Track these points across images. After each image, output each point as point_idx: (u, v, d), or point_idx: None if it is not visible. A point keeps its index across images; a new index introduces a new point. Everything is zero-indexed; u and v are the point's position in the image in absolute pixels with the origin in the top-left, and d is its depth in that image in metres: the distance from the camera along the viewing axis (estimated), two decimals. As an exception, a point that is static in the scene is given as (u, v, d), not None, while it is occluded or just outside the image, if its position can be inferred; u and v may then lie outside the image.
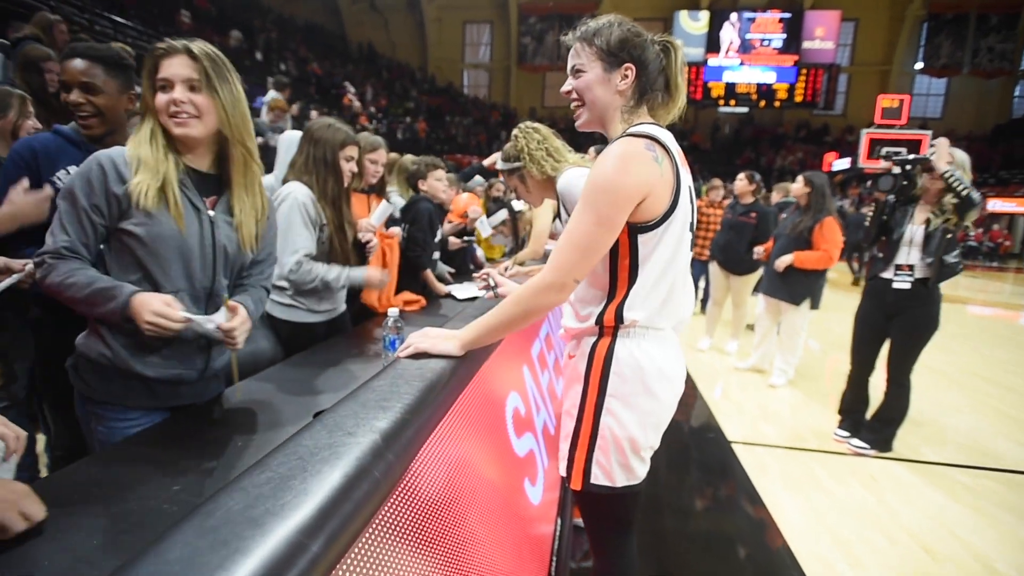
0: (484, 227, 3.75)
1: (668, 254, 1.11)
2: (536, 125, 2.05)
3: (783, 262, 3.81)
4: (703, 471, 2.87)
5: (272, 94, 6.23)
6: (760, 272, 4.53)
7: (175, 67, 1.14)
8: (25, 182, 1.53)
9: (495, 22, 24.61)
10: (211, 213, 1.24)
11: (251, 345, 1.82)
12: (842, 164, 18.34)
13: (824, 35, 21.17)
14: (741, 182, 4.62)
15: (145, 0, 12.13)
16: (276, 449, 0.72)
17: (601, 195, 1.03)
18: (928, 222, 2.74)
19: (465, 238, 3.75)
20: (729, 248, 4.67)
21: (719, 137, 23.85)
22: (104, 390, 1.21)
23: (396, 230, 2.70)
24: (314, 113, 8.72)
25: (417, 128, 18.91)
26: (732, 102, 22.17)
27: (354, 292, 2.38)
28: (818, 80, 21.53)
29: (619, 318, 1.13)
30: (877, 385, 3.08)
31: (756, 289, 4.49)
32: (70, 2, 7.81)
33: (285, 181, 2.05)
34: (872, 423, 3.09)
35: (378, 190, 2.77)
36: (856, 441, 3.08)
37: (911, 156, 2.94)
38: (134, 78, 1.54)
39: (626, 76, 1.13)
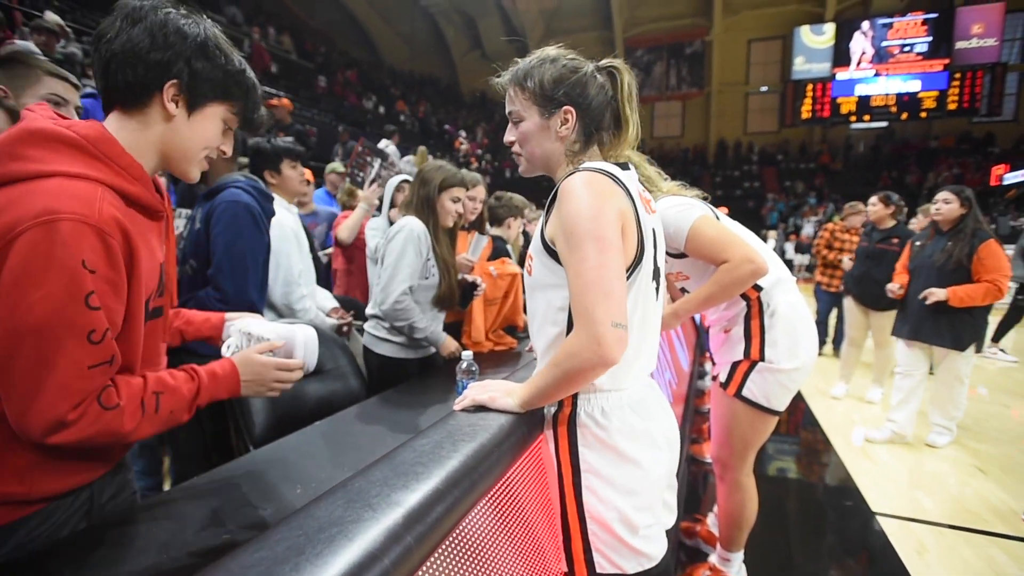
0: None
1: (639, 312, 1.00)
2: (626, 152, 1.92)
3: (935, 295, 3.08)
4: (840, 548, 2.39)
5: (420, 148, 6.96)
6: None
7: None
8: None
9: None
10: None
11: (336, 384, 1.87)
12: (1016, 177, 15.55)
13: (983, 32, 18.40)
14: (876, 207, 4.03)
15: (290, 69, 14.03)
16: (287, 519, 0.66)
17: (587, 222, 0.91)
18: None
19: None
20: (867, 280, 4.05)
21: (853, 156, 21.54)
22: None
23: (512, 264, 2.69)
24: (430, 158, 9.36)
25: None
26: (866, 117, 19.92)
27: (454, 326, 2.39)
28: (978, 83, 18.66)
29: None
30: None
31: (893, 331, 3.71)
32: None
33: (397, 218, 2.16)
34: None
35: (478, 227, 2.81)
36: (1058, 527, 2.40)
37: None
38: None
39: (566, 120, 1.02)
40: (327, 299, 2.49)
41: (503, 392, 1.05)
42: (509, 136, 1.09)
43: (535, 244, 1.05)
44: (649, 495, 1.01)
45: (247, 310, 1.37)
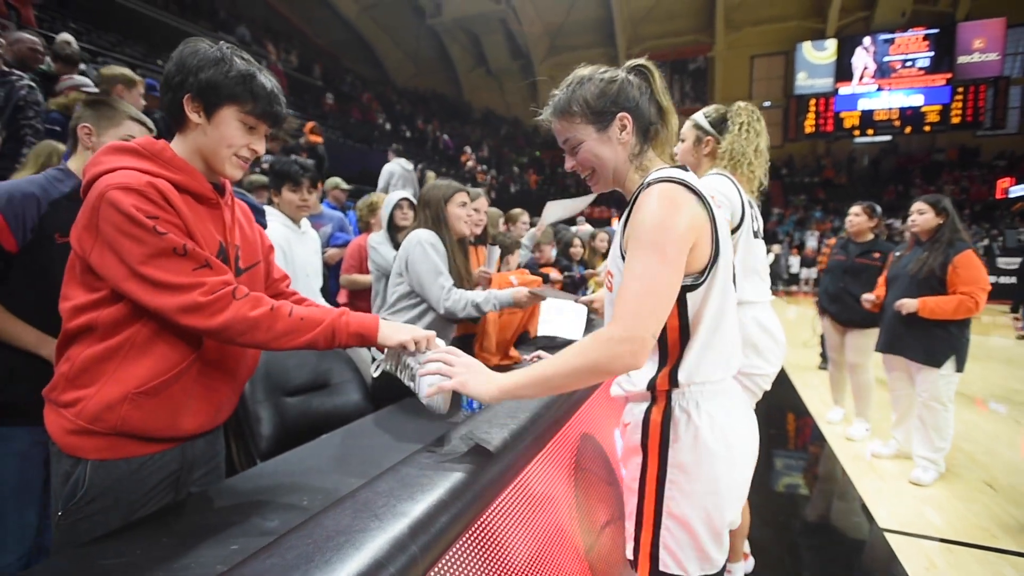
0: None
1: (717, 307, 1.00)
2: (760, 117, 1.84)
3: (907, 306, 2.93)
4: (848, 565, 2.37)
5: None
6: None
7: None
8: None
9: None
10: None
11: (342, 398, 1.89)
12: (1022, 190, 15.53)
13: (985, 46, 18.53)
14: (858, 217, 3.77)
15: (297, 87, 14.27)
16: (297, 528, 0.68)
17: (661, 234, 0.93)
18: None
19: None
20: (845, 297, 3.75)
21: (857, 170, 21.58)
22: None
23: (528, 274, 2.69)
24: (431, 174, 9.44)
25: (528, 180, 19.63)
26: (870, 131, 20.04)
27: (464, 339, 2.39)
28: (981, 97, 18.74)
29: (673, 382, 1.01)
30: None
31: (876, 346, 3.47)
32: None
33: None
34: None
35: (483, 240, 2.83)
36: (1069, 544, 2.35)
37: None
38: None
39: (624, 125, 1.04)
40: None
41: (479, 373, 0.99)
42: (569, 163, 1.11)
43: (614, 259, 1.06)
44: (733, 498, 1.02)
45: None
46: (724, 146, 1.78)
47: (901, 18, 19.71)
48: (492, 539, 0.85)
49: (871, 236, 3.81)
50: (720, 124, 1.83)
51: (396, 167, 6.33)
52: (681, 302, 0.98)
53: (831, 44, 20.12)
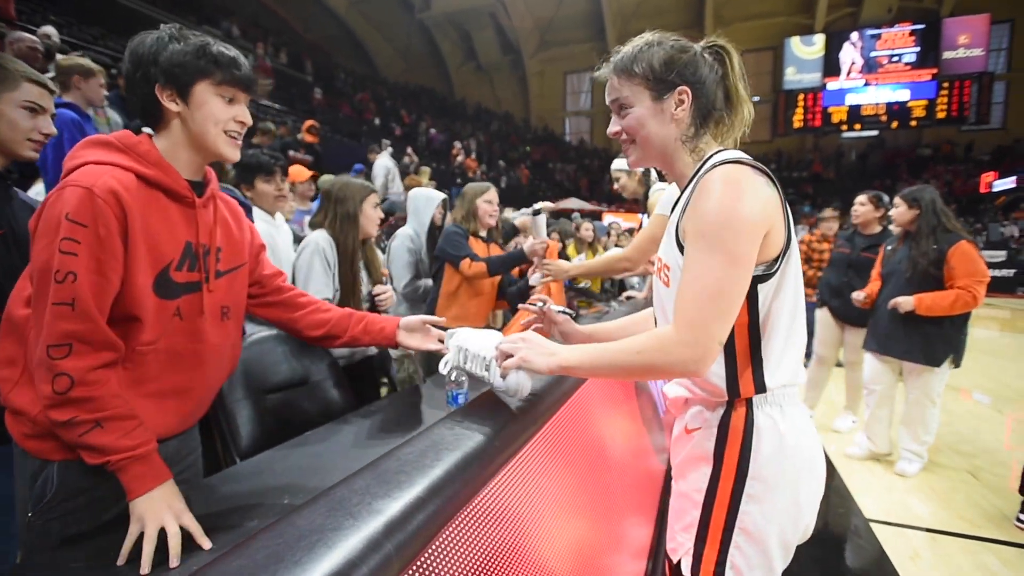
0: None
1: (792, 299, 0.92)
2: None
3: (903, 305, 2.84)
4: (834, 555, 2.39)
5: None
6: None
7: None
8: None
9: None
10: None
11: (322, 394, 1.87)
12: (1005, 184, 15.74)
13: (970, 42, 18.71)
14: (864, 207, 3.56)
15: (284, 81, 14.13)
16: (268, 527, 0.66)
17: (726, 231, 0.84)
18: None
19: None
20: (847, 291, 3.52)
21: (844, 164, 21.76)
22: None
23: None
24: (425, 168, 9.37)
25: (520, 176, 19.58)
26: (857, 126, 20.20)
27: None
28: (965, 92, 18.94)
29: (759, 385, 0.93)
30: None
31: (863, 344, 3.36)
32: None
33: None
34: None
35: (492, 237, 2.79)
36: (1049, 531, 2.38)
37: None
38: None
39: (681, 101, 0.94)
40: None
41: (542, 351, 0.98)
42: (613, 127, 1.02)
43: (669, 250, 0.97)
44: (810, 511, 0.97)
45: None
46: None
47: (887, 14, 19.87)
48: (471, 537, 0.84)
49: (879, 228, 3.60)
50: None
51: (390, 162, 6.27)
52: (751, 295, 0.89)
53: (819, 39, 20.23)
